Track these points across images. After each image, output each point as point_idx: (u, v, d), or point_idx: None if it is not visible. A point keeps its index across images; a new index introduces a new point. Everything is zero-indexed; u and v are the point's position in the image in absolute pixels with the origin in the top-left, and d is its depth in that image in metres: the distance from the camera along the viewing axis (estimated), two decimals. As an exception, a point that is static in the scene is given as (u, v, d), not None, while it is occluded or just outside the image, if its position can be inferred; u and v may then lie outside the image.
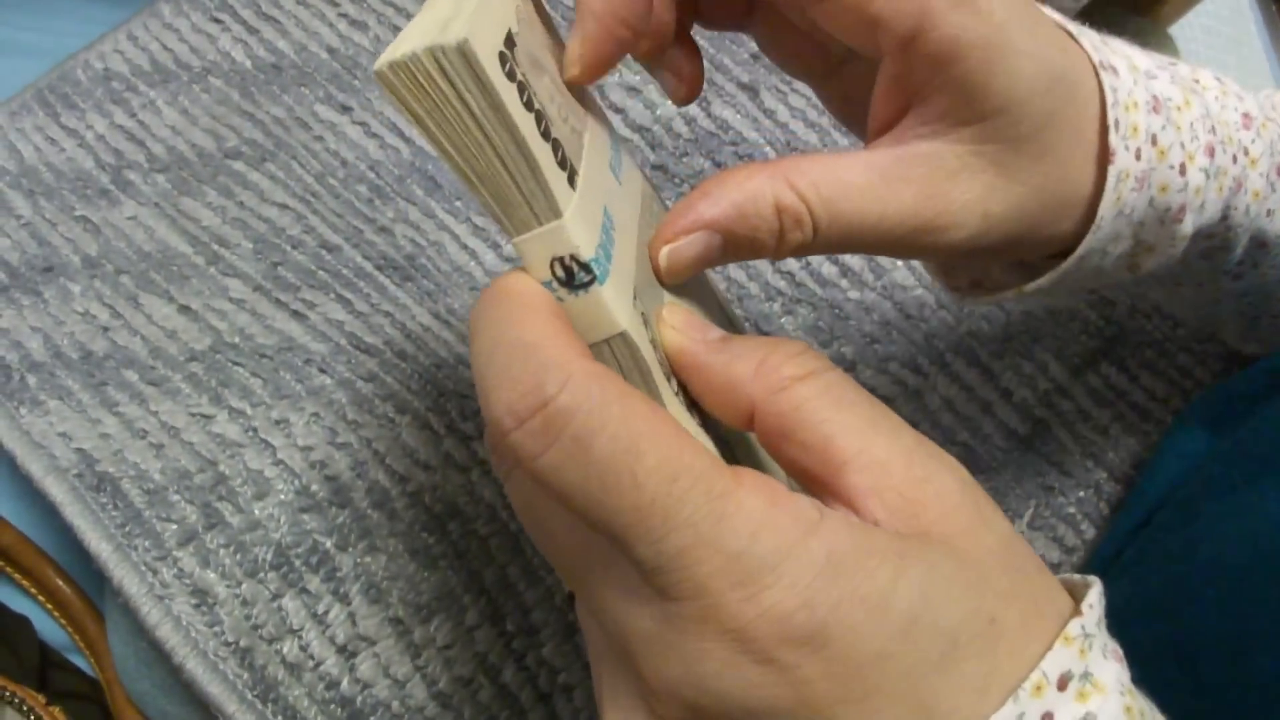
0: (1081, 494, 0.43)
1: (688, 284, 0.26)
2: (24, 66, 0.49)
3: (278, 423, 0.37)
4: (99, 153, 0.45)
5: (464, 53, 0.17)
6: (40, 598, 0.41)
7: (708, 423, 0.23)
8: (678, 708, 0.19)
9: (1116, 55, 0.28)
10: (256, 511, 0.36)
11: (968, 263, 0.31)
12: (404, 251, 0.43)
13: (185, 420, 0.37)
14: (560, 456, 0.18)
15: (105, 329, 0.40)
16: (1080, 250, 0.28)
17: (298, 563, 0.35)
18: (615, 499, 0.18)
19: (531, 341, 0.19)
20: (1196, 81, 0.31)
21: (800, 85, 0.50)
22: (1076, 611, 0.20)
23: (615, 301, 0.20)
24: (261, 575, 0.35)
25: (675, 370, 0.23)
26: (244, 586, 0.34)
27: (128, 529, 0.35)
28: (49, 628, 0.41)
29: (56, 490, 0.35)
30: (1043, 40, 0.25)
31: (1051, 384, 0.45)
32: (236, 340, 0.40)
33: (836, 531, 0.19)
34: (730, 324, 0.29)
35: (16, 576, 0.41)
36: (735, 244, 0.24)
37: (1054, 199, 0.27)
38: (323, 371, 0.39)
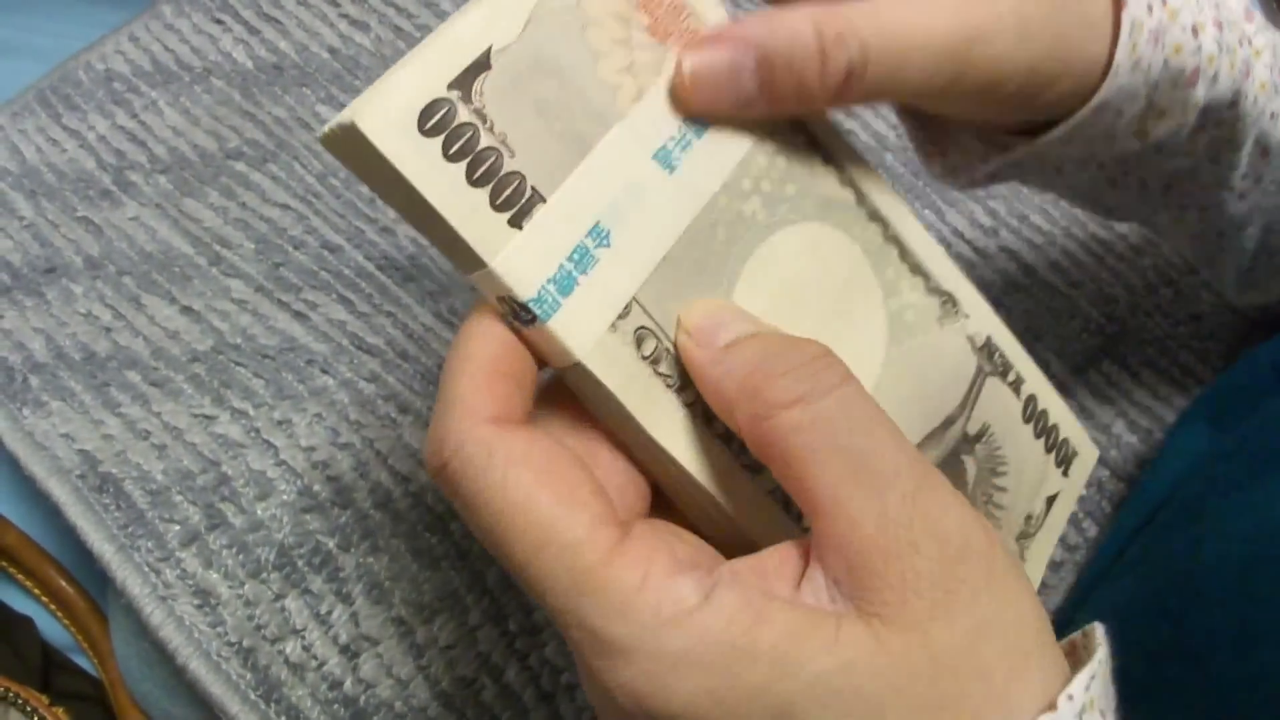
0: (1084, 492, 0.43)
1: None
2: (25, 68, 0.49)
3: (280, 423, 0.37)
4: (101, 154, 0.45)
5: (353, 133, 0.19)
6: (43, 598, 0.41)
7: (730, 433, 0.23)
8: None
9: None
10: (259, 512, 0.36)
11: (989, 112, 0.29)
12: (406, 251, 0.43)
13: (188, 421, 0.37)
14: (459, 508, 0.20)
15: (107, 330, 0.40)
16: (1096, 100, 0.27)
17: (300, 563, 0.35)
18: (500, 554, 0.20)
19: (449, 400, 0.20)
20: None
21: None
22: (1051, 706, 0.18)
23: (569, 333, 0.21)
24: (264, 576, 0.35)
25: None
26: (247, 587, 0.34)
27: (130, 530, 0.35)
28: (52, 628, 0.41)
29: (59, 491, 0.35)
30: None
31: (1053, 382, 0.45)
32: (239, 341, 0.40)
33: (708, 627, 0.18)
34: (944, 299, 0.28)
35: (19, 577, 0.41)
36: (770, 69, 0.23)
37: (1079, 23, 0.26)
38: (325, 372, 0.39)
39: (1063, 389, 0.45)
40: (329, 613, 0.35)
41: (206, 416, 0.37)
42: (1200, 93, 0.29)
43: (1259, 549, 0.31)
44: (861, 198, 0.27)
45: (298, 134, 0.46)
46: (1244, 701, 0.30)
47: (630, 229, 0.22)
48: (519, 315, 0.21)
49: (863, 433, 0.19)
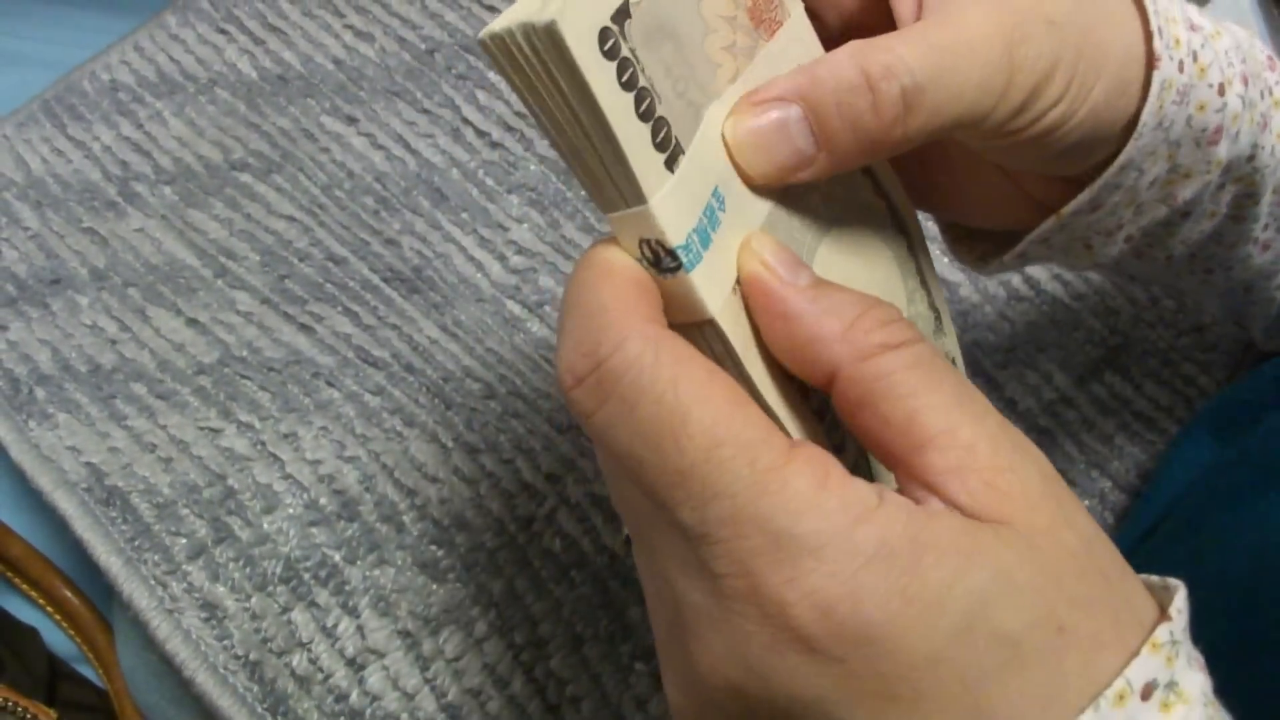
0: (1086, 503, 0.43)
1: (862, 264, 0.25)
2: (30, 78, 0.49)
3: (286, 436, 0.38)
4: (106, 164, 0.45)
5: (551, 34, 0.17)
6: (49, 609, 0.41)
7: (824, 408, 0.23)
8: (721, 687, 0.19)
9: None
10: (265, 525, 0.36)
11: (1038, 134, 0.28)
12: (411, 263, 0.43)
13: (194, 434, 0.37)
14: (610, 416, 0.19)
15: (113, 342, 0.40)
16: (1121, 158, 0.27)
17: (306, 576, 0.35)
18: (658, 461, 0.18)
19: (597, 305, 0.19)
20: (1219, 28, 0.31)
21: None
22: (1164, 616, 0.19)
23: (705, 288, 0.20)
24: (271, 589, 0.35)
25: (751, 308, 0.21)
26: (253, 600, 0.34)
27: (137, 543, 0.35)
28: (57, 639, 0.41)
29: (66, 504, 0.36)
30: None
31: (1056, 393, 0.45)
32: (244, 353, 0.40)
33: (892, 522, 0.18)
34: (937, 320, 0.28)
35: (25, 588, 0.41)
36: (820, 117, 0.22)
37: (1105, 20, 0.26)
38: (330, 385, 0.39)
39: (1065, 400, 0.45)
40: (335, 625, 0.35)
41: (213, 429, 0.38)
42: (1223, 151, 0.29)
43: (1262, 561, 0.31)
44: (892, 210, 0.27)
45: (302, 145, 0.46)
46: (1246, 712, 0.30)
47: (736, 198, 0.22)
48: (660, 262, 0.20)
49: (953, 372, 0.20)
